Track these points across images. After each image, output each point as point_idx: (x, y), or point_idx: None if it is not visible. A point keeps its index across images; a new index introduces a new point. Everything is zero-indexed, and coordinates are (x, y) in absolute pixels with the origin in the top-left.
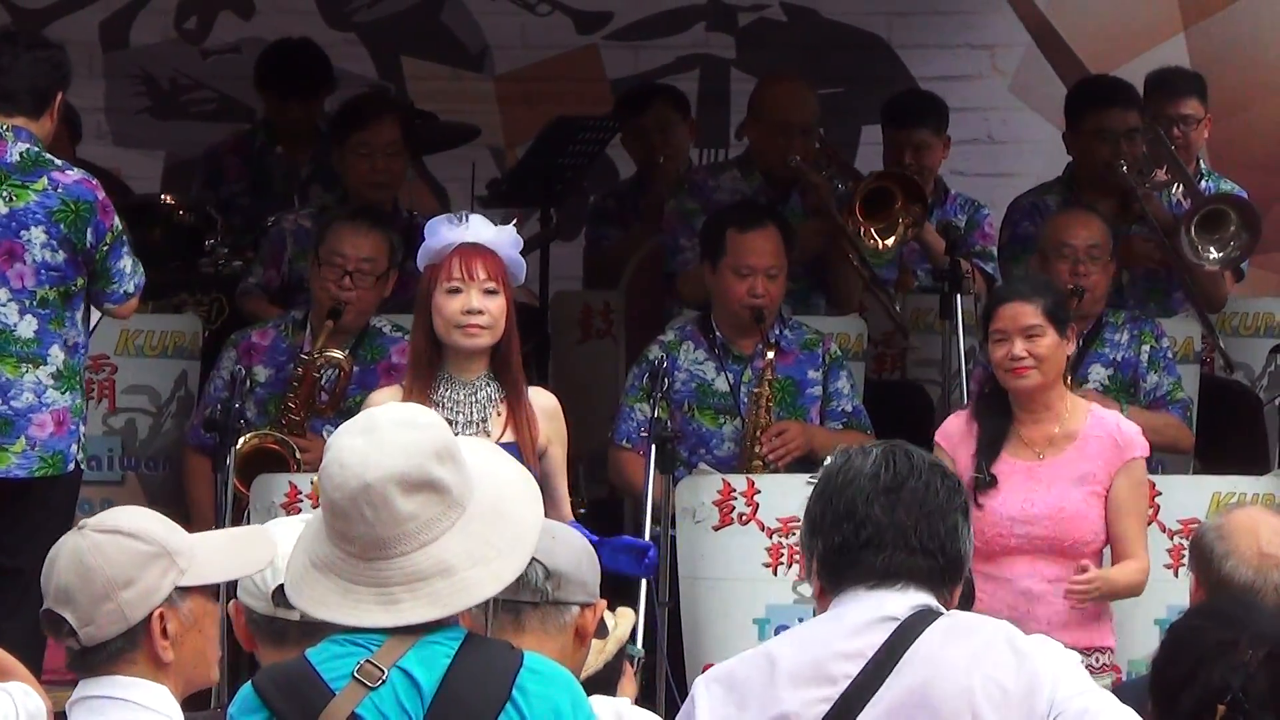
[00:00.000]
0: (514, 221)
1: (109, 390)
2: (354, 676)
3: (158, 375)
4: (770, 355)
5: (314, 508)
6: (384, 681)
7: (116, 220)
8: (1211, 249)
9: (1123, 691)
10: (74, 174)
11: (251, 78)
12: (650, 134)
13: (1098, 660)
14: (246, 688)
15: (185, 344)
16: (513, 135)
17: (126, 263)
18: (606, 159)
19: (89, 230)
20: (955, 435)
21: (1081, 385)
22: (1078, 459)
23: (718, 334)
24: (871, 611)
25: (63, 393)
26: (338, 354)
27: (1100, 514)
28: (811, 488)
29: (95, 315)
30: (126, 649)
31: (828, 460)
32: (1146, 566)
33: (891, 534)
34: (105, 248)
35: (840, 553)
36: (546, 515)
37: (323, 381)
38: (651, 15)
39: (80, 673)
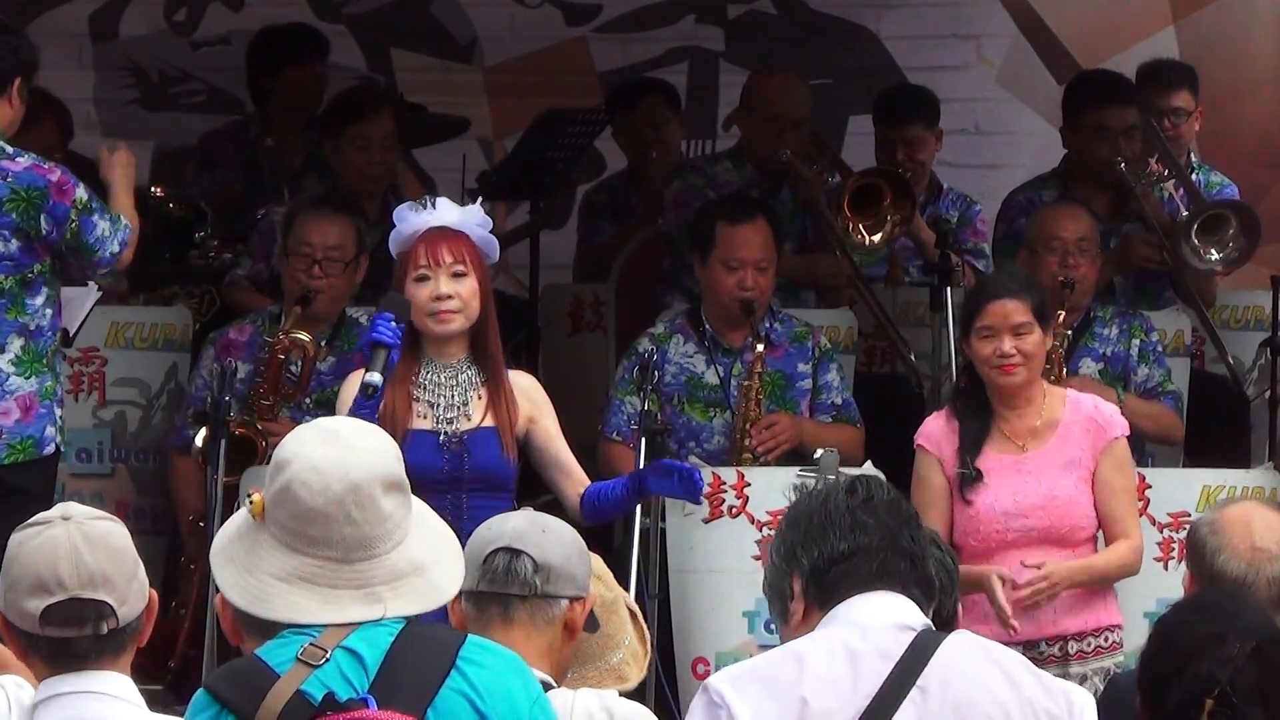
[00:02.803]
0: (479, 200)
1: (99, 382)
2: (298, 658)
3: (148, 368)
4: (760, 348)
5: None
6: (327, 660)
7: (80, 193)
8: (1212, 250)
9: (1114, 685)
10: (25, 161)
11: (241, 69)
12: (642, 129)
13: (1106, 639)
14: (199, 692)
15: (175, 336)
16: (502, 127)
17: (103, 227)
18: (595, 151)
19: (42, 217)
20: (937, 434)
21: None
22: (1062, 446)
23: (708, 327)
24: (885, 614)
25: (27, 377)
26: (303, 335)
27: (1089, 499)
28: (802, 480)
29: (85, 308)
30: (138, 628)
31: (789, 499)
32: (1138, 545)
33: (880, 537)
34: (74, 225)
35: (833, 563)
36: (558, 484)
37: (290, 365)
38: (640, 8)
39: (78, 666)
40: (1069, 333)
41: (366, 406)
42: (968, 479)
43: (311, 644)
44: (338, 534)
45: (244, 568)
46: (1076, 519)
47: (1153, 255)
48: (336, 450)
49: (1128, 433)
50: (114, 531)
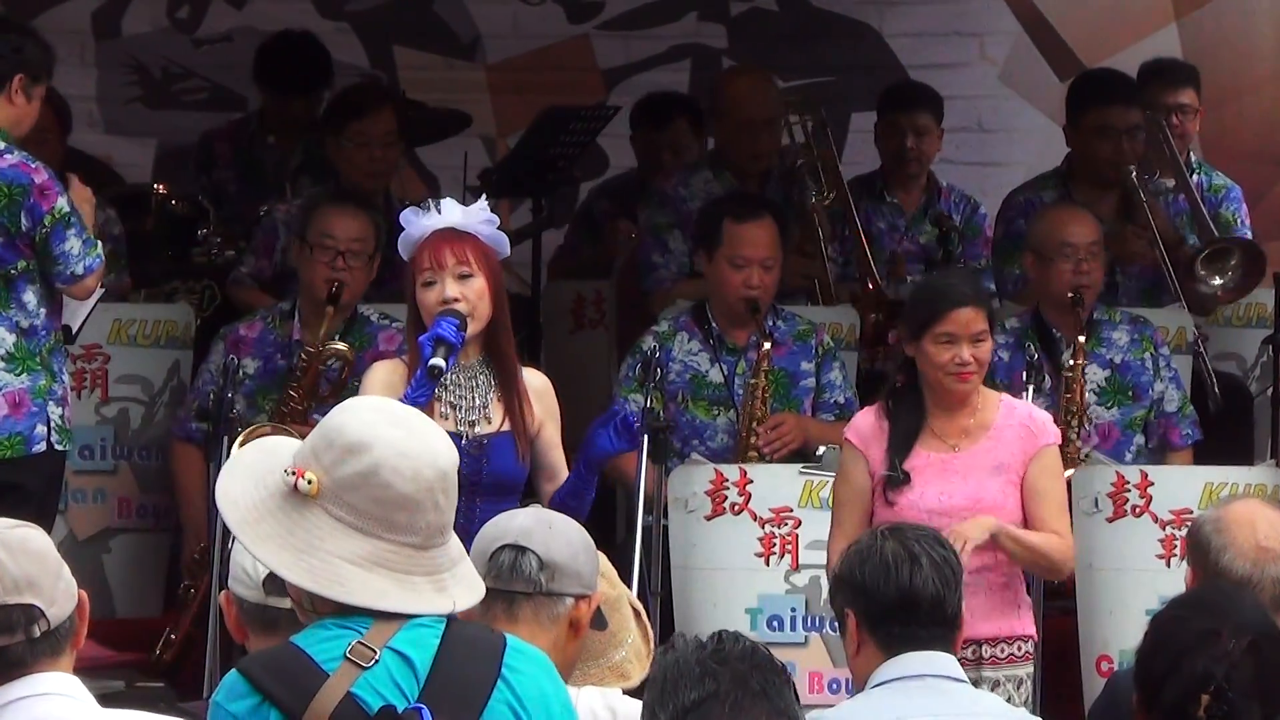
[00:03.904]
0: (483, 197)
1: (101, 379)
2: (347, 657)
3: (150, 365)
4: (767, 346)
5: None
6: (377, 661)
7: (61, 203)
8: (1215, 276)
9: (1113, 683)
10: (12, 158)
11: (244, 66)
12: (662, 150)
13: (1020, 649)
14: (232, 675)
15: (177, 334)
16: (504, 125)
17: (73, 245)
18: (598, 148)
19: (23, 214)
20: (866, 432)
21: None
22: (993, 449)
23: (714, 325)
24: None
25: (17, 374)
26: (342, 346)
27: (1017, 504)
28: (805, 478)
29: (88, 306)
30: (72, 629)
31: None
32: (1071, 543)
33: (729, 681)
34: (45, 230)
35: (686, 712)
36: (543, 489)
37: (326, 373)
38: (643, 5)
39: (18, 673)
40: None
41: (428, 388)
42: (894, 481)
43: (360, 643)
44: (423, 521)
45: (297, 548)
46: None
47: (1146, 252)
48: (412, 435)
49: (1059, 441)
50: (32, 536)
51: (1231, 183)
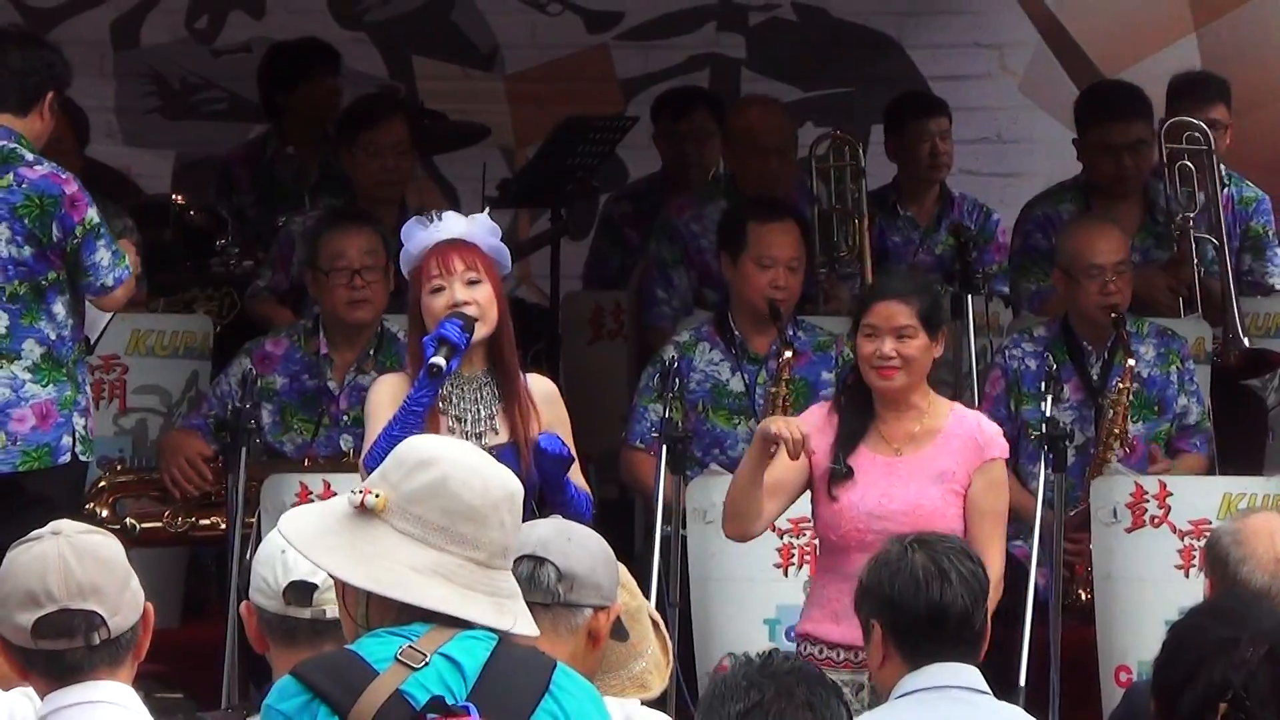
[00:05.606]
0: (487, 211)
1: (120, 390)
2: (397, 658)
3: (168, 375)
4: (789, 355)
5: None
6: (427, 664)
7: (91, 214)
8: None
9: (1132, 693)
10: (43, 168)
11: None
12: (685, 141)
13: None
14: (285, 678)
15: (196, 344)
16: (523, 135)
17: (103, 255)
18: (617, 159)
19: (54, 224)
20: (814, 425)
21: (1105, 397)
22: (937, 456)
23: (736, 333)
24: None
25: (44, 385)
26: None
27: (958, 512)
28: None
29: (106, 316)
30: (133, 640)
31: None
32: (997, 569)
33: (774, 693)
34: (75, 241)
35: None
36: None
37: None
38: (662, 15)
39: (76, 678)
40: (1105, 353)
41: (430, 388)
42: (838, 474)
43: (411, 646)
44: (486, 537)
45: (360, 557)
46: (938, 529)
47: (1173, 303)
48: (482, 458)
49: (1006, 454)
50: (104, 544)
51: (1262, 194)
